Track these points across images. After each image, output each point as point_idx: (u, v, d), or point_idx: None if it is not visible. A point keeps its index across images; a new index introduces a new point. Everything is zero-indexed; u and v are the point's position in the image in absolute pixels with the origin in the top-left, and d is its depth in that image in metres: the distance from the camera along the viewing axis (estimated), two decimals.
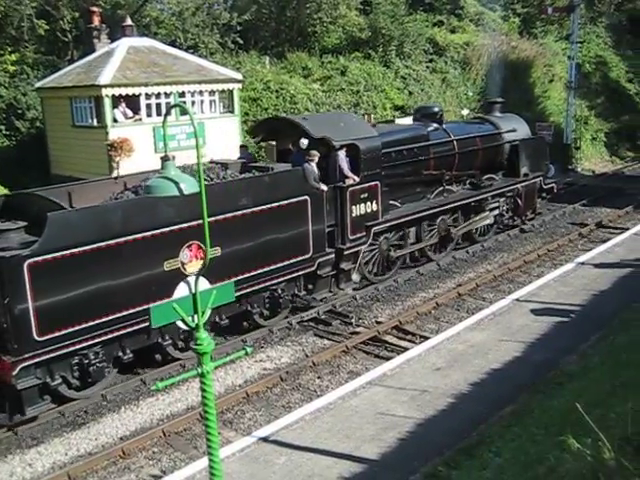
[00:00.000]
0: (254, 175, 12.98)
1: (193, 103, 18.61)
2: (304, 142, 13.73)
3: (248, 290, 12.35)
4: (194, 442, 9.81)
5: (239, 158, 14.89)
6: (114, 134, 16.94)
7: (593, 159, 33.17)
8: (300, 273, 13.39)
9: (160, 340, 11.39)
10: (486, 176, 18.86)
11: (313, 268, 13.56)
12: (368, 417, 9.63)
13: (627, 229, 20.02)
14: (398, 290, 15.67)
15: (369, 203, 14.52)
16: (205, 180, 12.03)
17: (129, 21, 19.43)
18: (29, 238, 10.01)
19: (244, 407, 10.76)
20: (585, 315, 13.17)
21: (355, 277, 14.83)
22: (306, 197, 13.09)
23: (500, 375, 10.80)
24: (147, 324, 10.28)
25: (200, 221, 10.75)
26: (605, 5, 41.65)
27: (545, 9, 35.27)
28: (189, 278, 5.27)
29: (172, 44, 22.06)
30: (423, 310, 14.31)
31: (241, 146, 15.96)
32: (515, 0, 37.59)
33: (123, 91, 16.92)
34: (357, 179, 14.19)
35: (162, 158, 5.27)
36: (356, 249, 14.47)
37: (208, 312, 5.36)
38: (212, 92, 19.04)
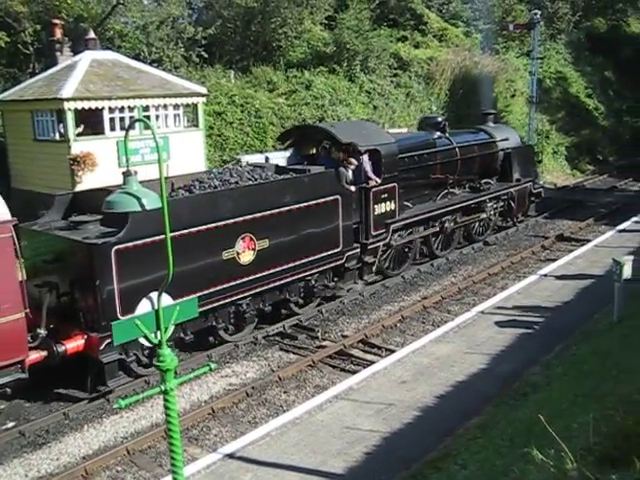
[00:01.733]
0: (296, 175, 14.14)
1: (157, 117, 18.49)
2: (326, 145, 15.81)
3: (289, 280, 13.63)
4: (159, 460, 9.66)
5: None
6: (77, 148, 16.73)
7: (555, 172, 33.76)
8: (332, 265, 14.68)
9: (214, 323, 12.53)
10: (484, 180, 20.38)
11: (343, 261, 14.87)
12: (334, 431, 9.60)
13: (588, 241, 20.38)
14: (364, 303, 15.70)
15: (388, 203, 16.03)
16: (250, 180, 13.31)
17: (92, 34, 19.24)
18: (103, 229, 11.16)
19: (210, 423, 10.64)
20: (548, 326, 13.35)
21: (374, 269, 16.25)
22: (338, 196, 14.42)
23: (465, 387, 10.87)
24: (205, 308, 11.69)
25: (253, 215, 12.58)
26: (564, 23, 42.59)
27: (506, 26, 35.95)
28: (151, 294, 5.20)
29: (136, 58, 21.89)
30: (389, 323, 14.35)
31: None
32: (478, 16, 38.21)
33: (86, 104, 16.72)
34: (379, 181, 15.62)
35: (124, 173, 5.22)
36: (377, 244, 15.92)
37: (171, 328, 5.30)
38: (176, 106, 18.94)
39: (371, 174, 15.50)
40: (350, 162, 15.15)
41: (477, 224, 20.26)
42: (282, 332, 13.98)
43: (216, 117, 23.16)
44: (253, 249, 12.65)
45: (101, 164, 16.85)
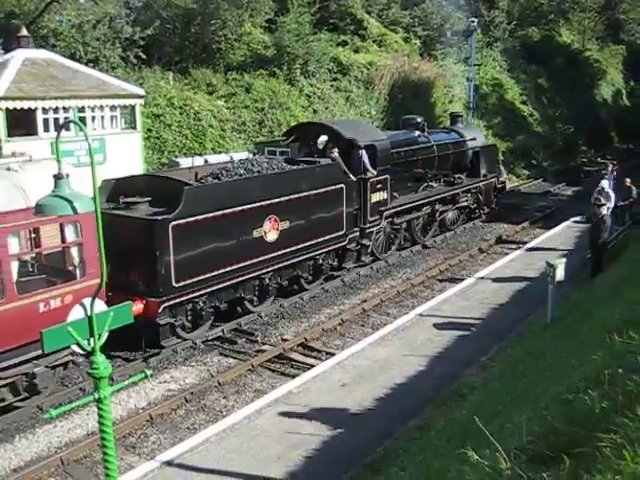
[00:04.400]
0: (311, 166, 15.83)
1: (93, 118, 18.10)
2: (322, 139, 17.50)
3: (303, 257, 15.35)
4: (95, 470, 9.42)
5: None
6: (9, 149, 16.22)
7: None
8: (336, 246, 16.49)
9: (242, 294, 14.04)
10: (456, 175, 22.45)
11: (345, 242, 16.65)
12: (274, 436, 9.56)
13: (524, 244, 20.88)
14: (303, 307, 15.69)
15: (382, 192, 17.84)
16: (270, 169, 14.81)
17: (25, 32, 18.67)
18: (153, 209, 12.45)
19: (147, 430, 10.45)
20: (485, 328, 13.61)
21: (369, 251, 18.08)
22: (342, 185, 16.20)
23: (405, 389, 10.98)
24: (237, 280, 13.51)
25: (278, 199, 14.22)
26: (500, 31, 43.65)
27: (444, 32, 36.62)
28: (84, 300, 5.06)
29: (71, 57, 21.36)
30: (328, 326, 14.38)
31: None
32: (416, 23, 38.73)
33: (18, 104, 16.24)
34: (375, 173, 17.33)
35: (55, 176, 5.07)
36: (373, 229, 17.77)
37: (105, 335, 5.17)
38: (113, 107, 18.58)
39: (369, 166, 17.15)
40: (332, 147, 16.70)
41: (451, 214, 22.21)
42: (221, 336, 13.85)
43: (154, 119, 22.83)
44: (277, 229, 14.33)
45: None
